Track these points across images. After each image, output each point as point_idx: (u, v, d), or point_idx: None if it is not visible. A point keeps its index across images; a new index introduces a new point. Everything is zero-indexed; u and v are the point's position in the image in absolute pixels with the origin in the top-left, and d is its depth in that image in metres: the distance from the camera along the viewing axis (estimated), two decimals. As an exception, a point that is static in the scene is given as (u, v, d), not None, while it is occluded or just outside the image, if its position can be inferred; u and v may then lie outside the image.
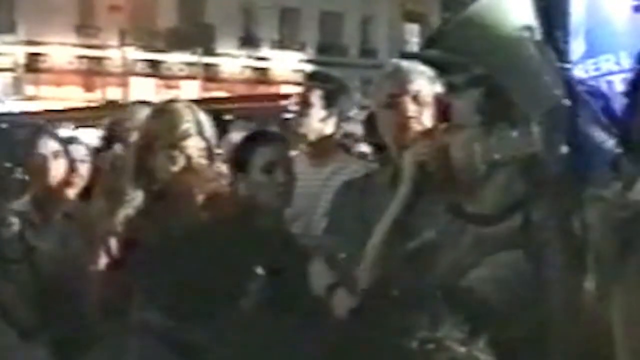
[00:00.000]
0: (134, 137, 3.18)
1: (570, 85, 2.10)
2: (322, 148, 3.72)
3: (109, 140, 4.44)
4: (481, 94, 2.21)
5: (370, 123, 3.42)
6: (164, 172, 2.90)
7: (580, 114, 2.09)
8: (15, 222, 3.52)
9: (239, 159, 3.18)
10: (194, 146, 2.95)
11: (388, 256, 2.29)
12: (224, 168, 3.17)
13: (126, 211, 2.85)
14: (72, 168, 3.87)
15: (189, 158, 2.91)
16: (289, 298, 1.63)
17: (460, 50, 2.13)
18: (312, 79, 3.97)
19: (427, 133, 2.47)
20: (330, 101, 3.76)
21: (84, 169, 4.05)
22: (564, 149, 2.03)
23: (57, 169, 3.78)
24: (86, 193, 4.00)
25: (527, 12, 2.08)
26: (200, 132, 2.97)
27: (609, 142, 2.08)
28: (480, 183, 2.22)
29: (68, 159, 3.84)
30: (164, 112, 3.08)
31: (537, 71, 2.05)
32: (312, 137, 3.73)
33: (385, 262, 2.28)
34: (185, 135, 2.93)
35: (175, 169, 2.90)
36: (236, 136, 3.99)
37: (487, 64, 2.11)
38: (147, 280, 1.69)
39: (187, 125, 2.95)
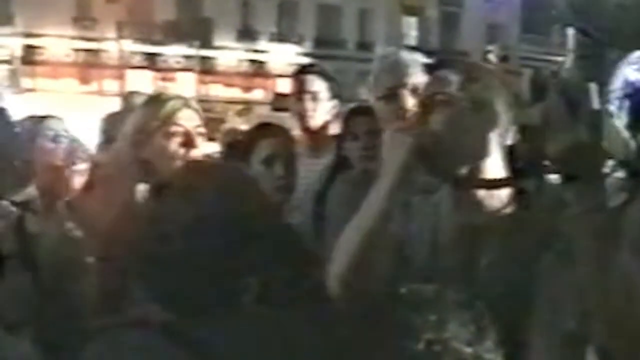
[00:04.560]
0: (127, 127, 3.15)
1: None
2: (318, 139, 3.72)
3: (109, 134, 4.45)
4: (464, 75, 2.16)
5: None
6: (163, 158, 2.85)
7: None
8: (12, 214, 3.51)
9: (242, 148, 3.18)
10: (187, 118, 2.89)
11: (373, 259, 2.08)
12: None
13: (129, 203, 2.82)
14: (73, 158, 3.87)
15: (186, 132, 2.87)
16: (292, 293, 1.63)
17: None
18: (309, 72, 3.95)
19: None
20: (330, 93, 3.76)
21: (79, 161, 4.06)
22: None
23: (60, 155, 3.78)
24: (89, 185, 4.01)
25: None
26: (189, 105, 2.93)
27: None
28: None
29: (71, 147, 3.84)
30: (148, 99, 3.05)
31: None
32: (318, 129, 3.73)
33: (371, 265, 2.07)
34: (175, 109, 2.89)
35: (174, 146, 2.85)
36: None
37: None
38: (151, 275, 1.68)
39: (173, 101, 2.91)
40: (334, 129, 3.79)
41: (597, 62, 1.90)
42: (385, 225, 2.11)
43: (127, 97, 4.64)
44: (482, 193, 2.17)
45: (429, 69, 2.29)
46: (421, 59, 2.94)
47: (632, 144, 2.28)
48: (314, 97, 3.72)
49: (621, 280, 1.74)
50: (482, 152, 2.15)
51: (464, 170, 2.16)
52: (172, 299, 1.62)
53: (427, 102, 2.18)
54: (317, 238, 3.03)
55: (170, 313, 1.61)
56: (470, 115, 2.14)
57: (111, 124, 4.57)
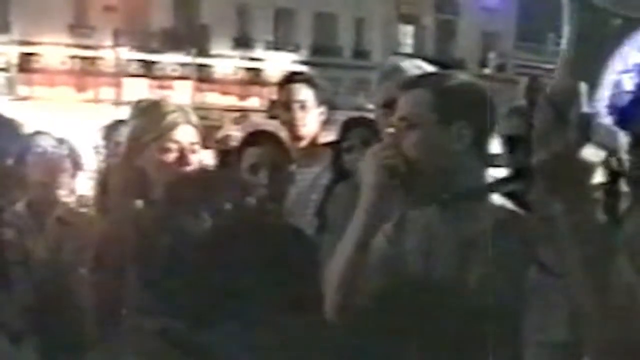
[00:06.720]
0: (121, 137, 3.14)
1: None
2: (309, 148, 3.71)
3: (106, 144, 4.43)
4: (433, 92, 2.16)
5: None
6: (156, 170, 2.84)
7: None
8: (16, 224, 3.51)
9: (233, 156, 3.17)
10: (185, 134, 2.89)
11: (360, 276, 2.10)
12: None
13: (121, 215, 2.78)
14: (62, 173, 3.85)
15: (182, 149, 2.86)
16: (299, 297, 1.62)
17: None
18: (295, 80, 3.92)
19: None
20: (317, 100, 3.77)
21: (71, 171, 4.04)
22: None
23: (54, 168, 3.78)
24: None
25: None
26: (189, 121, 2.92)
27: None
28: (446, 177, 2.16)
29: (65, 158, 3.83)
30: (149, 107, 3.03)
31: None
32: (308, 137, 3.73)
33: (358, 284, 2.09)
34: (174, 124, 2.87)
35: (169, 160, 2.84)
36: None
37: None
38: (153, 285, 1.67)
39: (174, 114, 2.90)
40: (324, 136, 3.79)
41: (590, 63, 1.86)
42: (369, 240, 2.13)
43: (135, 105, 4.62)
44: (474, 205, 2.17)
45: (402, 87, 2.28)
46: (425, 66, 2.93)
47: (626, 140, 2.26)
48: (303, 106, 3.72)
49: (620, 291, 1.72)
50: (456, 168, 2.16)
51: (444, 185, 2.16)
52: (178, 307, 1.61)
53: (398, 125, 2.19)
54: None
55: (174, 320, 1.61)
56: (440, 133, 2.15)
57: (113, 131, 4.57)
